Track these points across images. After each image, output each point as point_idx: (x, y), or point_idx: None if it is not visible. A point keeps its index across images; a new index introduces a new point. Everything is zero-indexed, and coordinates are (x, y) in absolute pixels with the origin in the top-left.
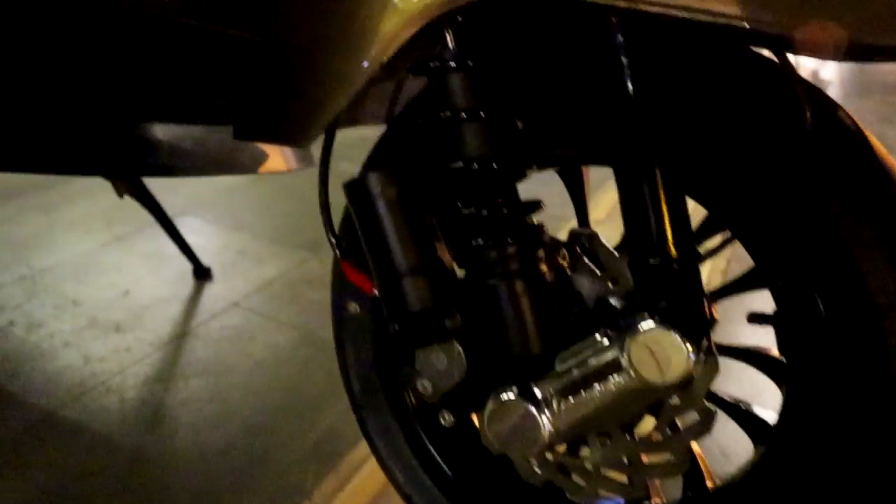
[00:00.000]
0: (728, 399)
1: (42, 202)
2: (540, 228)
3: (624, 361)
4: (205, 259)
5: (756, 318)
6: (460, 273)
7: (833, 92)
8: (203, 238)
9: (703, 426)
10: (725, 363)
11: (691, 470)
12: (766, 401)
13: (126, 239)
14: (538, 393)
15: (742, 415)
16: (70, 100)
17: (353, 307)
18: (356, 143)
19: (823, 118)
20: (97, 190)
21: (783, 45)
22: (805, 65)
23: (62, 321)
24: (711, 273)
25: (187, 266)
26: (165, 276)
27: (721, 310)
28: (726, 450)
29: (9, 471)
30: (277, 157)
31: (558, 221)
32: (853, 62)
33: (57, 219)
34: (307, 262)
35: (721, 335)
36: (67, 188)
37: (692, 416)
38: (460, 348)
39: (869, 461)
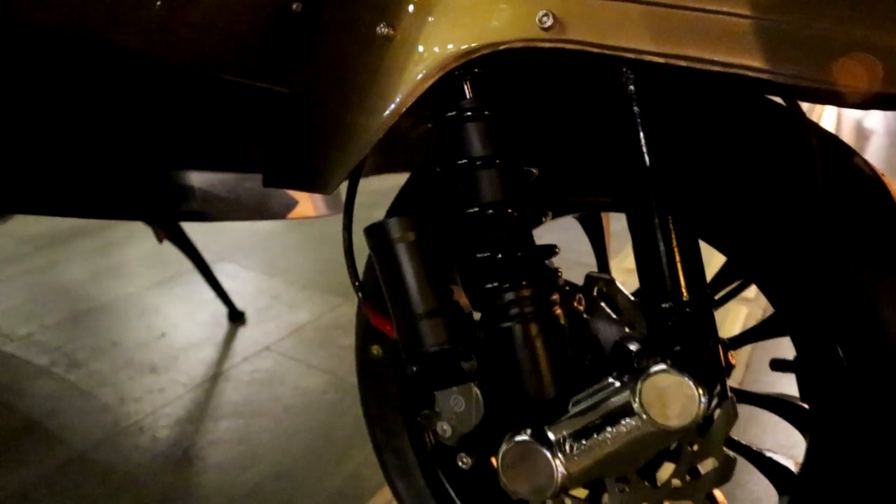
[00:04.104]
0: (751, 447)
1: (89, 248)
2: (555, 273)
3: (635, 405)
4: (239, 303)
5: (779, 364)
6: (478, 317)
7: (877, 141)
8: (239, 283)
9: (723, 473)
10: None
11: None
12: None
13: (165, 283)
14: (551, 436)
15: (765, 463)
16: (111, 148)
17: (376, 350)
18: (392, 191)
19: (839, 165)
20: (141, 237)
21: (795, 93)
22: (849, 115)
23: (100, 362)
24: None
25: (222, 310)
26: (201, 319)
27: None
28: (758, 502)
29: None
30: (307, 204)
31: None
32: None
33: (102, 264)
34: (339, 308)
35: (751, 383)
36: (113, 235)
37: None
38: (478, 391)
39: None
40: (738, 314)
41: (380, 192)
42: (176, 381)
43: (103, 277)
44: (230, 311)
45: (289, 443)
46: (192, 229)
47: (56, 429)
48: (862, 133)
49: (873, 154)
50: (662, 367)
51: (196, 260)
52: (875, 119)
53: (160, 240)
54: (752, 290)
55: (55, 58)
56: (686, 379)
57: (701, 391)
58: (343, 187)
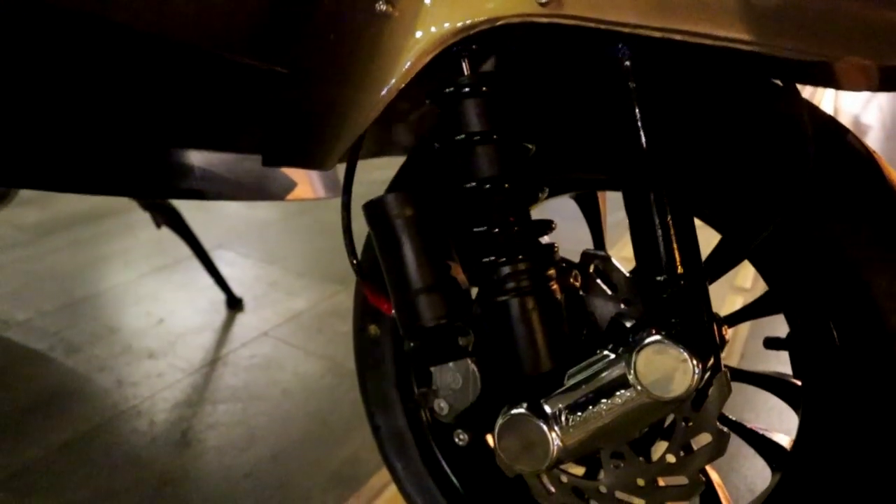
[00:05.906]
0: (744, 425)
1: (87, 235)
2: (551, 248)
3: (630, 376)
4: (237, 290)
5: (772, 342)
6: (474, 294)
7: (874, 136)
8: (237, 270)
9: (717, 448)
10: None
11: (708, 496)
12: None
13: (163, 270)
14: (547, 409)
15: (759, 440)
16: (110, 123)
17: (374, 329)
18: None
19: (832, 143)
20: (139, 225)
21: (795, 73)
22: (846, 110)
23: (99, 347)
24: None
25: (220, 297)
26: (199, 305)
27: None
28: (753, 486)
29: (43, 488)
30: (305, 186)
31: None
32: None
33: (100, 251)
34: (336, 295)
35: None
36: (111, 223)
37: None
38: (475, 367)
39: (885, 483)
40: (734, 303)
41: (378, 181)
42: (174, 366)
43: (101, 264)
44: (228, 297)
45: (286, 426)
46: (190, 217)
47: (55, 412)
48: (859, 128)
49: None
50: (657, 338)
51: (194, 247)
52: (872, 114)
53: (158, 225)
54: (749, 280)
55: (54, 34)
56: (680, 350)
57: (695, 362)
58: (341, 169)
